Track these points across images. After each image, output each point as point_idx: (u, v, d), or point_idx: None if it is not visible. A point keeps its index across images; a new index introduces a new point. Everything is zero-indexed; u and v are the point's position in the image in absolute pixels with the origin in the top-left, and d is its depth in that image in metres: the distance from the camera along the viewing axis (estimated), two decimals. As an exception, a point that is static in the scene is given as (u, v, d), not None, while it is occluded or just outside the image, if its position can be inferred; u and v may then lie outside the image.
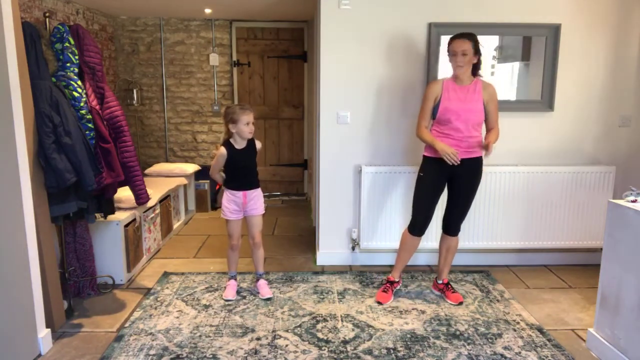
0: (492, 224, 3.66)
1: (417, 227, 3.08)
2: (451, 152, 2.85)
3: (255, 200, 3.16)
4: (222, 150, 3.05)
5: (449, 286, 3.21)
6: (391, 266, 3.73)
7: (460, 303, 3.13)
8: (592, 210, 3.66)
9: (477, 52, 2.89)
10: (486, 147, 2.89)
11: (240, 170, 3.10)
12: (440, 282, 3.24)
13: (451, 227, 3.14)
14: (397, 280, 3.23)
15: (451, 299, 3.15)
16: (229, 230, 3.18)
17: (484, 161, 3.06)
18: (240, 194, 3.11)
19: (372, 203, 3.62)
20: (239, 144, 3.07)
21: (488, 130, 3.04)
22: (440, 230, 3.24)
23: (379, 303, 3.10)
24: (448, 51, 2.93)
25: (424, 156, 3.06)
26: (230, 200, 3.11)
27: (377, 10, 3.45)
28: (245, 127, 3.01)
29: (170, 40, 5.53)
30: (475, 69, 2.96)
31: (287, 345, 2.62)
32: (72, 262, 3.10)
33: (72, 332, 2.77)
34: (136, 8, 4.89)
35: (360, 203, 3.62)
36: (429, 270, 3.64)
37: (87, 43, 2.91)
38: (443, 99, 2.93)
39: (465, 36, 2.88)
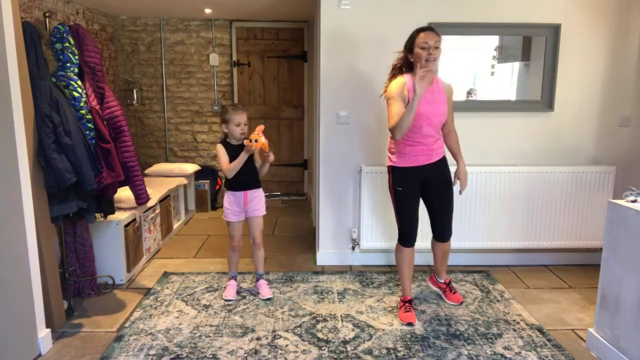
0: (492, 224, 3.66)
1: (407, 238, 2.92)
2: (420, 78, 2.56)
3: (257, 200, 3.15)
4: (219, 146, 3.04)
5: (450, 286, 3.21)
6: (391, 266, 3.74)
7: (460, 304, 3.13)
8: (592, 210, 3.66)
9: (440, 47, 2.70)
10: (460, 180, 2.93)
11: (239, 169, 3.08)
12: (441, 281, 3.23)
13: (443, 234, 3.02)
14: (412, 297, 3.06)
15: (451, 300, 3.15)
16: (230, 232, 3.17)
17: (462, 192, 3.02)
18: (240, 194, 3.10)
19: (372, 203, 3.62)
20: (235, 141, 3.07)
21: (448, 132, 2.91)
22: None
23: (411, 324, 2.86)
24: (414, 46, 2.70)
25: (394, 167, 2.87)
26: (231, 201, 3.10)
27: (377, 10, 3.45)
28: (236, 127, 2.99)
29: (170, 40, 5.53)
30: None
31: (287, 345, 2.62)
32: (72, 262, 3.10)
33: (72, 332, 2.77)
34: (136, 8, 4.89)
35: (360, 203, 3.62)
36: (429, 270, 3.64)
37: (87, 43, 2.91)
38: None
39: (434, 29, 2.72)
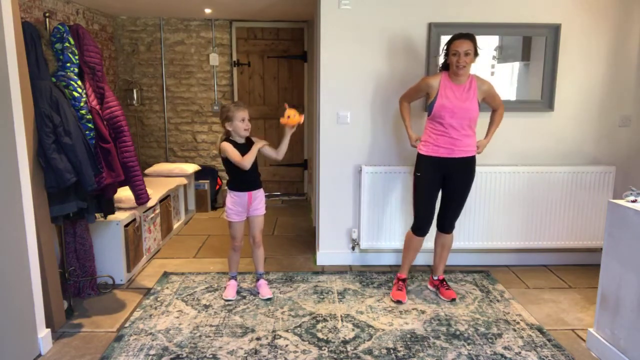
0: (492, 224, 3.66)
1: (420, 227, 3.11)
2: (413, 142, 3.14)
3: (259, 200, 3.15)
4: (226, 143, 3.02)
5: (444, 282, 3.24)
6: (391, 266, 3.74)
7: (453, 300, 3.14)
8: (592, 210, 3.66)
9: (476, 53, 2.92)
10: (477, 146, 3.07)
11: (243, 169, 3.07)
12: (435, 278, 3.28)
13: (446, 224, 3.18)
14: (407, 277, 3.28)
15: (444, 296, 3.17)
16: (232, 232, 3.17)
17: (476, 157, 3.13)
18: (245, 194, 3.10)
19: (372, 203, 3.62)
20: (239, 140, 3.07)
21: (495, 109, 3.14)
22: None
23: (399, 302, 3.10)
24: (447, 51, 2.94)
25: (419, 154, 3.09)
26: (235, 201, 3.10)
27: (377, 10, 3.45)
28: (241, 123, 3.00)
29: (170, 40, 5.53)
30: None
31: (287, 345, 2.62)
32: (72, 262, 3.10)
33: (72, 332, 2.77)
34: (136, 8, 4.89)
35: (360, 203, 3.62)
36: (429, 270, 3.64)
37: (87, 43, 2.90)
38: (440, 96, 2.93)
39: (467, 36, 2.90)
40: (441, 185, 3.09)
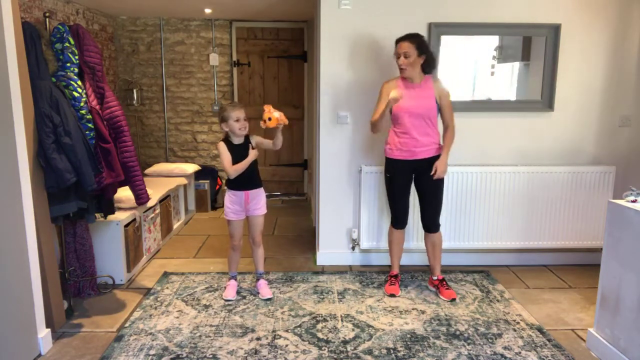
0: (492, 224, 3.66)
1: (398, 221, 3.26)
2: (392, 98, 2.93)
3: (258, 200, 3.15)
4: (221, 144, 3.04)
5: (444, 282, 3.25)
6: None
7: (453, 299, 3.15)
8: (592, 210, 3.66)
9: (422, 52, 2.96)
10: (435, 170, 3.05)
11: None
12: (435, 278, 3.30)
13: (429, 224, 3.24)
14: (398, 273, 3.37)
15: (444, 295, 3.18)
16: (230, 231, 3.17)
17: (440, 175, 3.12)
18: (242, 193, 3.10)
19: (372, 203, 3.62)
20: (237, 140, 3.07)
21: (445, 128, 3.12)
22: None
23: (393, 295, 3.21)
24: (394, 53, 3.04)
25: (386, 157, 3.19)
26: (232, 200, 3.10)
27: (377, 10, 3.45)
28: (236, 123, 3.00)
29: (170, 40, 5.53)
30: (428, 67, 3.03)
31: (287, 345, 2.62)
32: (72, 262, 3.10)
33: (72, 332, 2.77)
34: (136, 8, 4.89)
35: (360, 203, 3.62)
36: (428, 270, 3.64)
37: (87, 43, 2.90)
38: None
39: (408, 38, 2.97)
40: (412, 181, 3.19)
